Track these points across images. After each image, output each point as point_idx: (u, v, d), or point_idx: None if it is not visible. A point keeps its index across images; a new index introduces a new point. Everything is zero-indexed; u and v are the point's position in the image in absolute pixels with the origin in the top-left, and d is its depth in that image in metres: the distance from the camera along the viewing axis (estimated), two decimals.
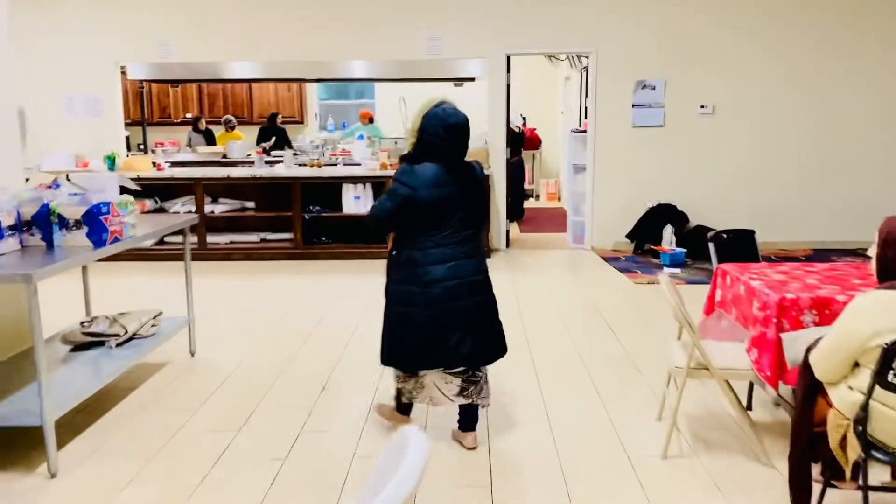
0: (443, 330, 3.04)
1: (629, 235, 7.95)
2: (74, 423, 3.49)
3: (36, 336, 2.86)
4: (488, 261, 3.33)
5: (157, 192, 7.78)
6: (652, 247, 7.71)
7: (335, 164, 8.07)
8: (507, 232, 8.22)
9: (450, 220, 3.03)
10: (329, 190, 7.68)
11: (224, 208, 7.74)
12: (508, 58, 7.92)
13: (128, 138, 11.47)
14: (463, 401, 3.19)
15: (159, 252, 7.49)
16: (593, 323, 5.28)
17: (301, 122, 12.39)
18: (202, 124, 11.06)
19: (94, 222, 3.28)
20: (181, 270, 4.68)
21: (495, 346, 3.19)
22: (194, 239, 7.50)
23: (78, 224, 3.28)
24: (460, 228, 3.06)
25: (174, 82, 10.06)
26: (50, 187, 3.49)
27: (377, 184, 7.57)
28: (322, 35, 7.87)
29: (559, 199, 12.76)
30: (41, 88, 7.83)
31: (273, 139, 10.48)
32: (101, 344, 3.86)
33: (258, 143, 10.56)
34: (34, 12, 7.80)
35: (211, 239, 7.64)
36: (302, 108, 12.41)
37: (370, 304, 5.70)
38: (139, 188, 4.18)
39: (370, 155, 8.58)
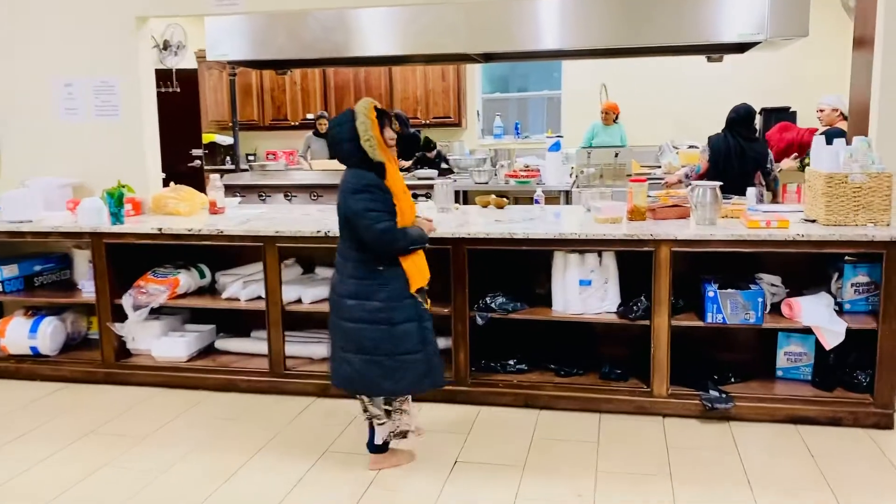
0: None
1: None
2: None
3: None
4: None
5: (207, 257, 4.24)
6: None
7: (534, 201, 4.09)
8: None
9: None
10: (524, 261, 3.78)
11: (319, 293, 3.89)
12: None
13: (233, 147, 8.34)
14: (362, 416, 3.06)
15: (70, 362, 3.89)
16: None
17: (458, 124, 8.65)
18: (323, 125, 7.63)
19: None
20: None
21: (350, 379, 2.91)
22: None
23: None
24: (342, 240, 2.95)
25: (278, 65, 6.52)
26: None
27: (632, 254, 3.57)
28: None
29: None
30: (34, 76, 4.41)
31: (417, 154, 6.75)
32: None
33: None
34: None
35: (290, 350, 3.98)
36: (459, 105, 8.65)
37: None
38: None
39: (571, 177, 4.66)
